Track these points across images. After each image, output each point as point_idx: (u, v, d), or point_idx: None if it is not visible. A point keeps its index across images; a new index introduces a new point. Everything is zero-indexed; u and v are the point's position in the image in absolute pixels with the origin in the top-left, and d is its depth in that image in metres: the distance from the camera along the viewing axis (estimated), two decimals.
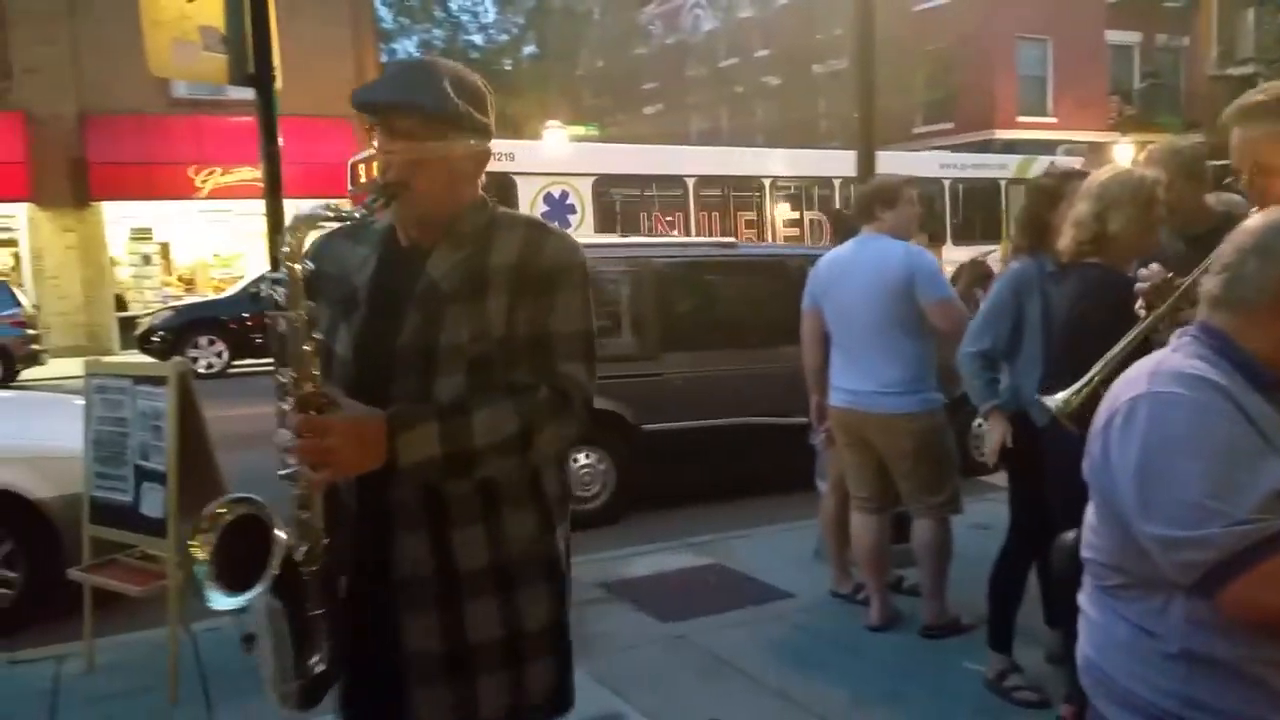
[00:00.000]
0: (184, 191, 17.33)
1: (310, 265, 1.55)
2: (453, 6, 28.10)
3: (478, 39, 28.64)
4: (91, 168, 17.02)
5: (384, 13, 26.31)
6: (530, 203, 12.85)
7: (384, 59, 23.88)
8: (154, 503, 3.63)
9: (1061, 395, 2.33)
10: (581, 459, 6.12)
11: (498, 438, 1.53)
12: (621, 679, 3.67)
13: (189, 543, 1.51)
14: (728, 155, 16.99)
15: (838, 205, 15.36)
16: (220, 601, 1.48)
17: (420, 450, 1.51)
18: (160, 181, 17.20)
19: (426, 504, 1.59)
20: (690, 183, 14.84)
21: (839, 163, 15.70)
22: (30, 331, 13.84)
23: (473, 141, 1.64)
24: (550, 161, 13.49)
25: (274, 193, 4.01)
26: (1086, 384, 2.29)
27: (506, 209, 1.74)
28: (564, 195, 13.19)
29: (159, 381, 3.65)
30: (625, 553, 5.28)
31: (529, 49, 29.56)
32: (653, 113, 32.86)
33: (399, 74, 1.65)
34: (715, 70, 30.82)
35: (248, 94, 3.97)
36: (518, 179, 12.21)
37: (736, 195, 15.46)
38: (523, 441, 1.56)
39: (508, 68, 28.05)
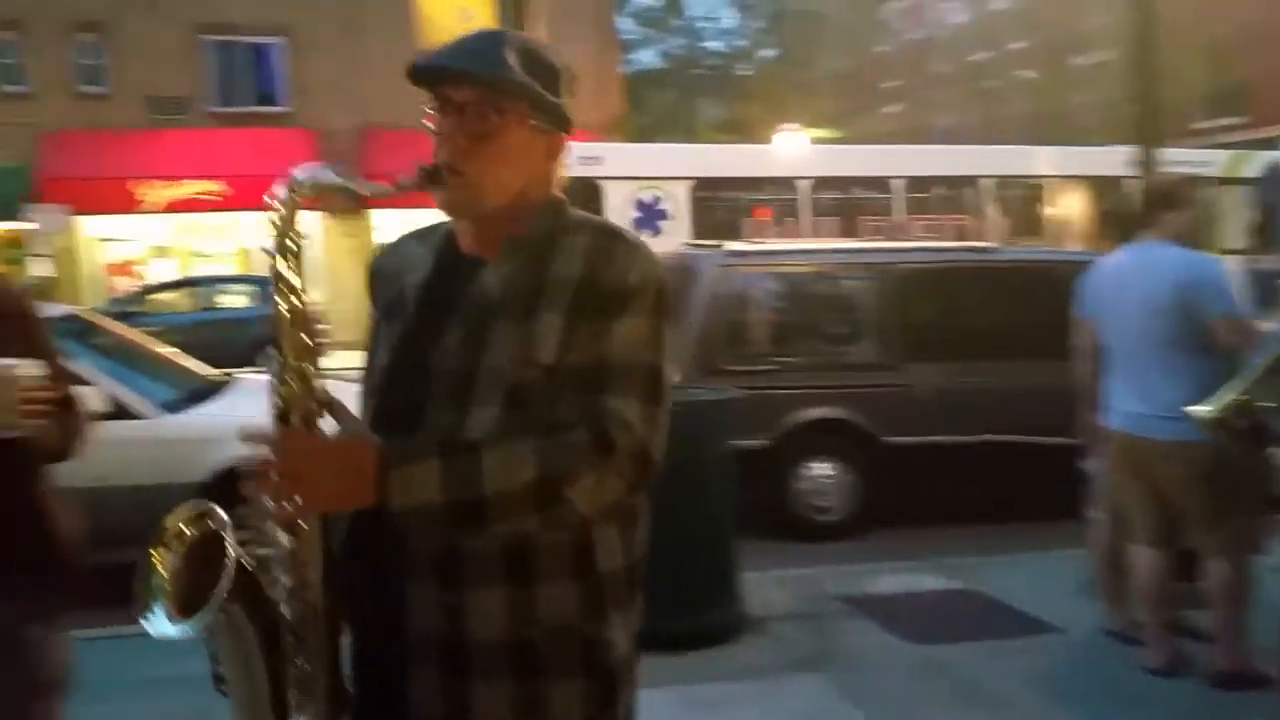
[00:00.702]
0: None
1: (305, 239, 1.31)
2: (692, 15, 28.57)
3: (716, 45, 28.96)
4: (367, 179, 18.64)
5: (624, 24, 27.13)
6: (619, 209, 11.79)
7: (624, 71, 24.61)
8: None
9: (1206, 405, 2.10)
10: (819, 469, 6.03)
11: (511, 485, 1.24)
12: (869, 698, 3.57)
13: (150, 552, 1.27)
14: (847, 154, 15.29)
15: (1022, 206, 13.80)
16: (161, 627, 1.22)
17: (418, 493, 1.22)
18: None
19: (440, 556, 1.32)
20: (804, 185, 13.40)
21: (993, 160, 14.27)
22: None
23: (535, 123, 1.39)
24: (642, 165, 12.81)
25: None
26: (1231, 395, 2.07)
27: (581, 213, 1.46)
28: (655, 200, 12.29)
29: None
30: (869, 568, 5.13)
31: (766, 52, 29.58)
32: (893, 112, 31.94)
33: (458, 41, 1.43)
34: (964, 65, 29.53)
35: None
36: (606, 184, 11.55)
37: (860, 198, 13.76)
38: (545, 493, 1.25)
39: (745, 73, 28.18)
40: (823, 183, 13.50)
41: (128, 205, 18.23)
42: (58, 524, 2.04)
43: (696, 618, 4.02)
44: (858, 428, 5.97)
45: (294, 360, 1.26)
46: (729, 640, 4.06)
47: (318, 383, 1.27)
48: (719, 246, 6.63)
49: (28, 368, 1.87)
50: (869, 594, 4.70)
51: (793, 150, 14.54)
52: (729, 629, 4.11)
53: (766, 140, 15.81)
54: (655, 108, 27.80)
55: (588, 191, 11.51)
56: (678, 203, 12.36)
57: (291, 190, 1.26)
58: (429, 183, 1.35)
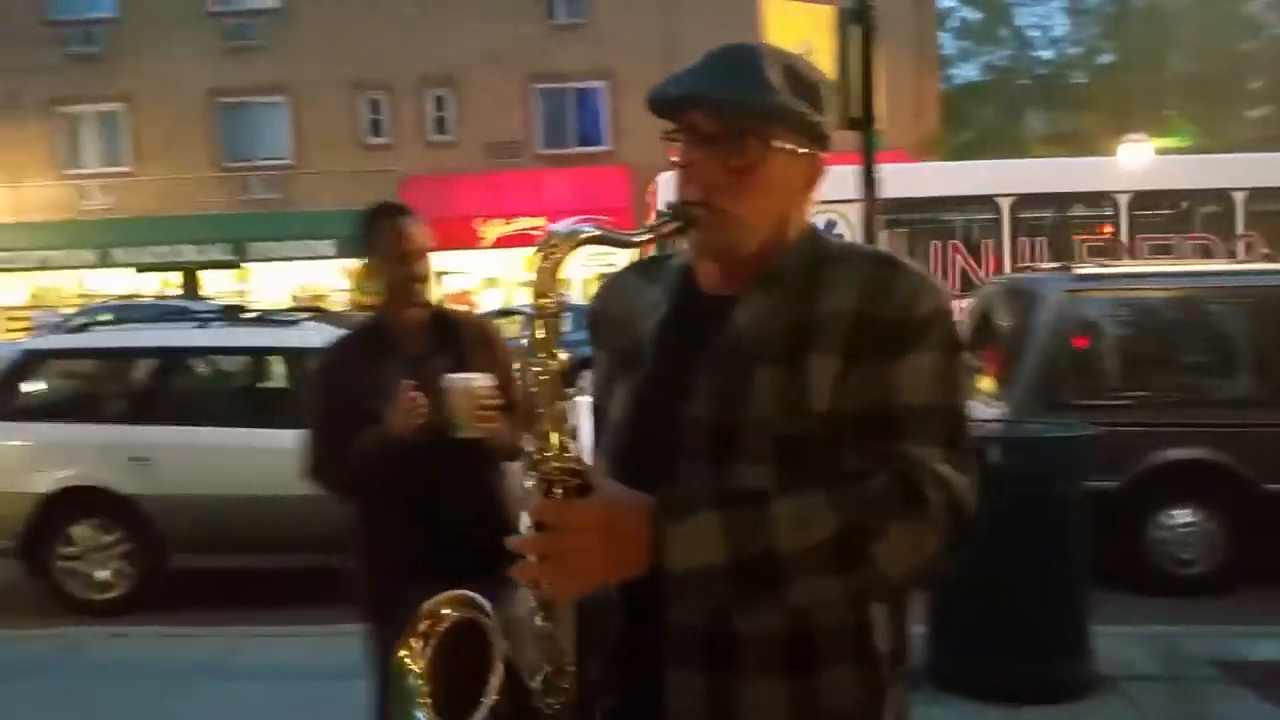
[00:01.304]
0: None
1: (565, 297, 1.21)
2: (1020, 24, 27.28)
3: (1046, 54, 27.43)
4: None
5: (944, 39, 26.42)
6: None
7: (943, 88, 23.95)
8: None
9: None
10: (1181, 516, 5.53)
11: (808, 541, 1.08)
12: None
13: (400, 647, 1.21)
14: (1052, 169, 13.29)
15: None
16: None
17: (697, 552, 1.09)
18: None
19: (710, 638, 1.18)
20: (1004, 203, 12.18)
21: (1247, 169, 12.08)
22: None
23: (802, 151, 1.25)
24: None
25: (868, 228, 4.34)
26: None
27: (841, 241, 1.37)
28: (829, 225, 11.54)
29: None
30: (1242, 630, 4.65)
31: (1104, 58, 27.58)
32: (1259, 115, 28.54)
33: (706, 61, 1.27)
34: None
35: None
36: None
37: (1073, 216, 12.31)
38: (849, 549, 1.09)
39: (1079, 81, 26.44)
40: (1026, 200, 12.32)
41: (468, 241, 20.32)
42: (511, 516, 2.41)
43: (1045, 670, 3.85)
44: (1229, 471, 5.41)
45: (553, 429, 1.15)
46: (1079, 698, 3.85)
47: (575, 450, 1.16)
48: (1065, 269, 6.31)
49: (483, 380, 2.30)
50: (1242, 659, 4.25)
51: (987, 166, 13.36)
52: (1079, 685, 3.89)
53: (1108, 153, 14.69)
54: (975, 124, 26.78)
55: None
56: (853, 227, 11.96)
57: (549, 248, 1.17)
58: (683, 223, 1.23)
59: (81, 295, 20.84)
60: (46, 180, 22.18)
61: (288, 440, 5.49)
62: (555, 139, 21.77)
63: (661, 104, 1.27)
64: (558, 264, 1.16)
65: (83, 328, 7.38)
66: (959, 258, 12.17)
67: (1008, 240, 12.29)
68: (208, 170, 22.01)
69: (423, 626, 1.21)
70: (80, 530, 5.62)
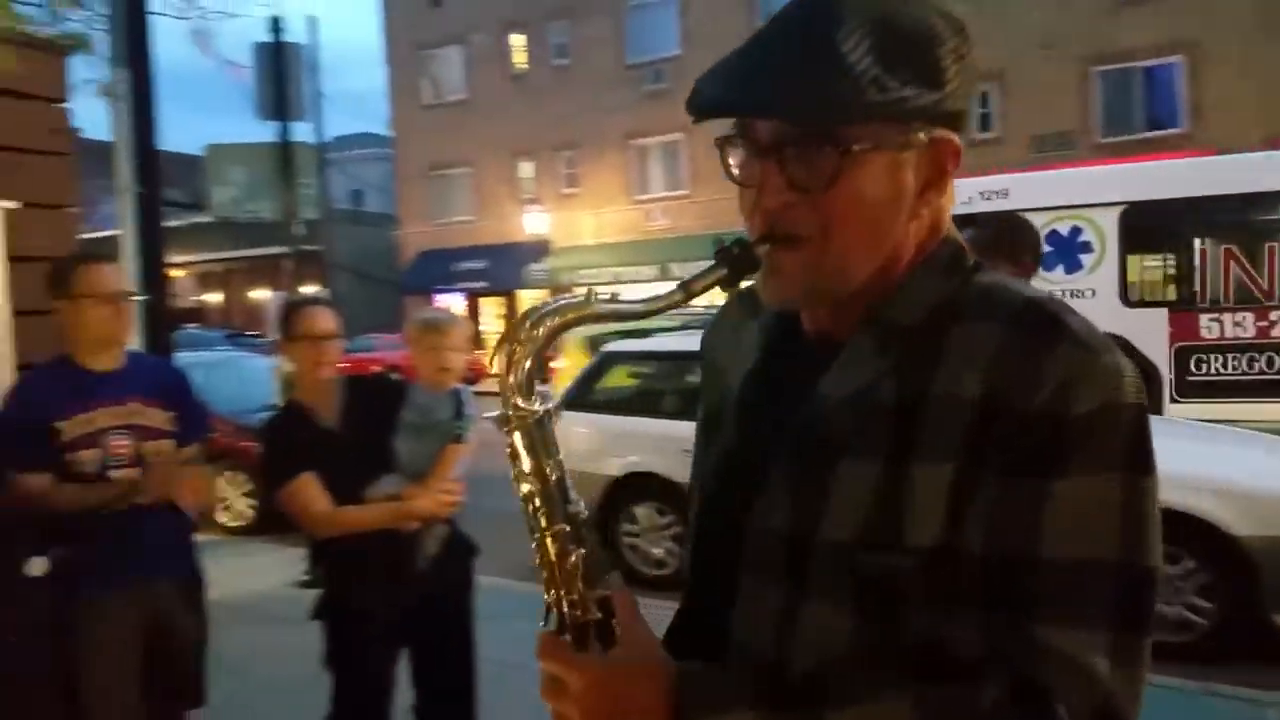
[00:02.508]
0: None
1: (548, 400, 0.93)
2: None
3: None
4: None
5: None
6: None
7: None
8: None
9: None
10: None
11: None
12: None
13: None
14: None
15: None
16: None
17: None
18: None
19: None
20: None
21: None
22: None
23: (911, 141, 0.89)
24: (1057, 192, 10.69)
25: None
26: None
27: (993, 276, 0.92)
28: (1075, 232, 10.31)
29: None
30: None
31: None
32: None
33: (759, 42, 0.92)
34: None
35: None
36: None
37: None
38: None
39: None
40: None
41: None
42: None
43: None
44: None
45: (559, 557, 0.91)
46: None
47: (593, 576, 0.91)
48: None
49: None
50: None
51: (1267, 160, 10.37)
52: None
53: None
54: None
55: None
56: (1103, 233, 10.31)
57: (513, 341, 0.90)
58: (737, 269, 0.91)
59: None
60: (621, 206, 25.76)
61: None
62: (1118, 125, 20.04)
63: (699, 111, 0.95)
64: (539, 355, 0.90)
65: (645, 333, 8.38)
66: (1242, 275, 9.86)
67: None
68: None
69: None
70: (641, 511, 6.43)
